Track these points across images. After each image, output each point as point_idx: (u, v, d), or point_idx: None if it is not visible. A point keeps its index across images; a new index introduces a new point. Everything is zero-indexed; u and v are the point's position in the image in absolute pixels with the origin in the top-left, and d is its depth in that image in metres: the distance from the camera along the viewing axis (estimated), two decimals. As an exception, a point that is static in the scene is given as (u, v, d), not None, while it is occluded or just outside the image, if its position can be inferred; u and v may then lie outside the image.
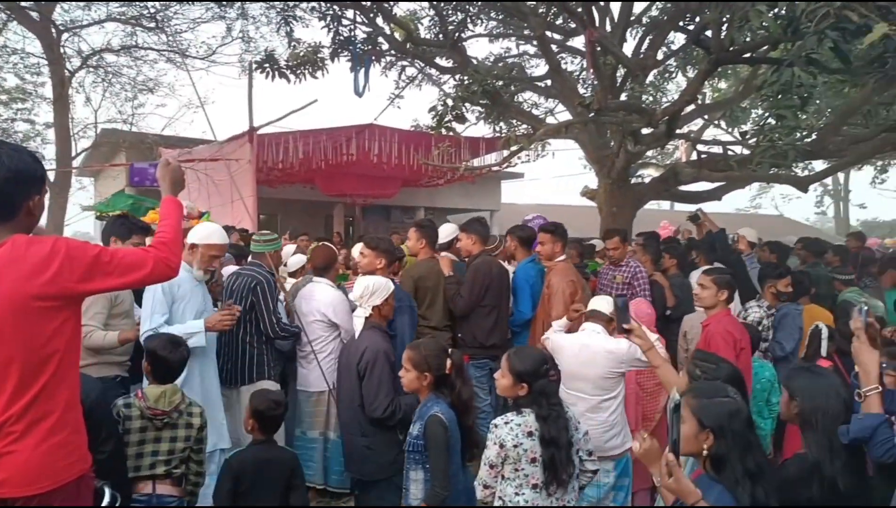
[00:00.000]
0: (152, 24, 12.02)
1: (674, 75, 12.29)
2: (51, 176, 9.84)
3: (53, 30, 11.18)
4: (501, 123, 11.54)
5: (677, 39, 11.00)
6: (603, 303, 3.70)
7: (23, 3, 10.67)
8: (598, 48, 6.45)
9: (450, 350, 2.99)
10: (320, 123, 9.90)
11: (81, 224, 16.74)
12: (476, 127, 10.91)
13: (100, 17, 11.98)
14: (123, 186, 13.97)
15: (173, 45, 12.44)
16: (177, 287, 3.41)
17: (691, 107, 8.61)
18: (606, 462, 3.44)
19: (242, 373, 3.93)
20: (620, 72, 8.61)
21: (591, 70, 5.78)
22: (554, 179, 17.01)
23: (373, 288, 3.57)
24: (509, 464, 2.63)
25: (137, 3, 11.56)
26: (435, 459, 2.78)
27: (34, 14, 10.91)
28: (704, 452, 2.00)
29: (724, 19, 5.31)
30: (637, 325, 3.03)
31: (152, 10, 11.75)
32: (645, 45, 8.92)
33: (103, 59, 12.81)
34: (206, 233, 3.60)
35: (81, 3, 11.65)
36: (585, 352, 3.49)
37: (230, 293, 4.04)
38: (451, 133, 7.28)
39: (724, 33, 5.58)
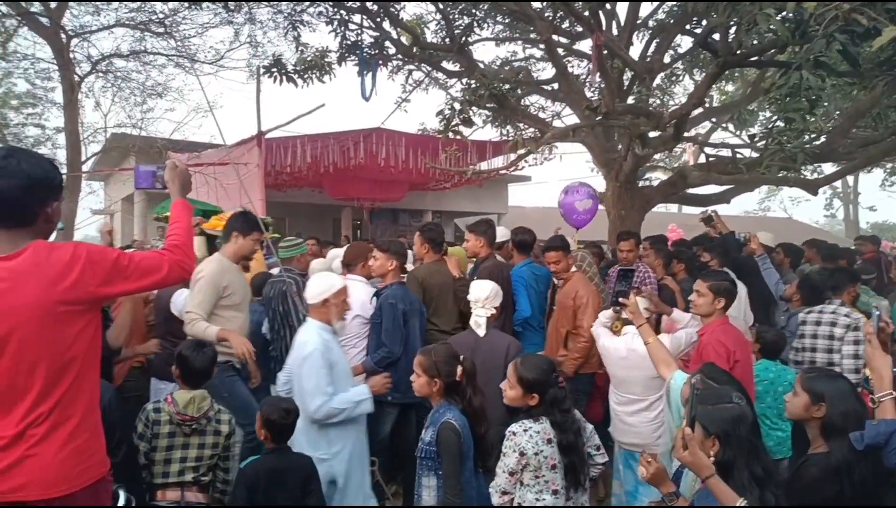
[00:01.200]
0: (161, 30, 12.10)
1: (680, 78, 12.29)
2: (61, 180, 9.94)
3: (63, 35, 11.26)
4: (508, 127, 11.56)
5: (684, 43, 11.02)
6: (642, 304, 3.69)
7: (33, 9, 10.77)
8: (605, 52, 6.46)
9: (461, 357, 2.97)
10: (328, 127, 9.91)
11: (90, 228, 16.82)
12: (483, 130, 10.95)
13: (109, 23, 12.07)
14: (132, 190, 14.09)
15: (182, 50, 12.53)
16: (328, 352, 3.25)
17: (699, 110, 8.60)
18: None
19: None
20: (627, 75, 8.63)
21: (598, 74, 5.77)
22: (561, 182, 16.88)
23: (494, 290, 3.75)
24: (529, 471, 2.62)
25: (146, 8, 11.65)
26: (447, 465, 2.75)
27: (44, 20, 11.00)
28: (711, 459, 1.99)
29: (732, 22, 5.30)
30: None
31: (161, 16, 11.85)
32: (652, 49, 8.92)
33: (112, 64, 12.92)
34: (326, 285, 3.40)
35: (91, 9, 11.78)
36: (633, 356, 3.48)
37: (267, 302, 4.15)
38: (458, 137, 7.29)
39: (731, 36, 5.58)
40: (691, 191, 9.59)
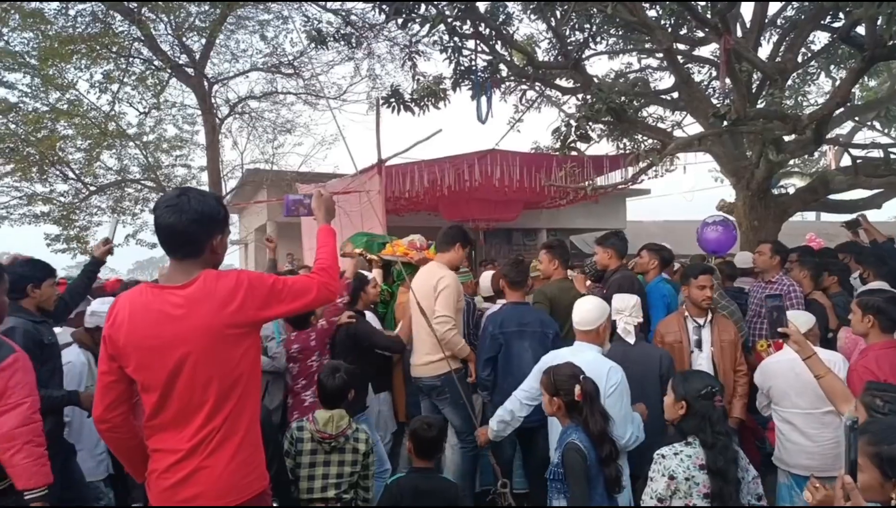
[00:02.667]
0: (290, 71, 13.05)
1: (815, 77, 11.40)
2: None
3: (206, 83, 12.45)
4: (625, 140, 11.25)
5: (817, 39, 10.23)
6: (801, 320, 3.43)
7: (181, 61, 12.00)
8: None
9: (581, 377, 2.89)
10: (443, 152, 10.14)
11: (231, 257, 18.23)
12: (598, 145, 10.73)
13: (244, 68, 13.22)
14: (265, 221, 15.15)
15: (309, 88, 13.42)
16: None
17: (840, 109, 7.90)
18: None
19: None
20: (754, 78, 8.13)
21: (728, 78, 5.47)
22: (684, 194, 16.09)
23: (636, 300, 3.78)
24: (679, 498, 2.49)
25: (277, 52, 12.62)
26: (573, 487, 2.69)
27: (190, 70, 12.21)
28: (894, 504, 1.73)
29: (881, 14, 4.84)
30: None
31: (290, 58, 12.78)
32: (782, 48, 8.35)
33: (248, 105, 14.04)
34: (601, 312, 3.48)
35: (228, 57, 12.96)
36: (799, 366, 3.19)
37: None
38: (575, 153, 7.18)
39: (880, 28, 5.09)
40: (834, 197, 8.82)
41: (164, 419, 2.00)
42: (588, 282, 5.06)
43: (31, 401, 2.45)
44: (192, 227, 2.01)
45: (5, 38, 10.79)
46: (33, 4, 10.26)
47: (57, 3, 10.45)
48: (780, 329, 2.75)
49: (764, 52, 8.59)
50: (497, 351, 4.02)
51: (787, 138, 7.02)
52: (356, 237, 6.22)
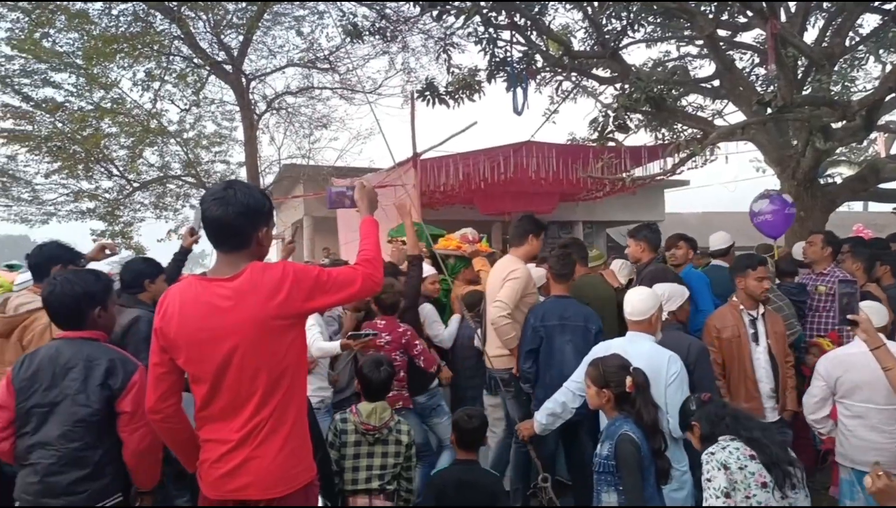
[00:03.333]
0: (326, 66, 13.15)
1: (863, 62, 10.99)
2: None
3: (244, 79, 12.64)
4: (663, 130, 11.04)
5: (866, 22, 9.87)
6: (877, 313, 3.30)
7: (219, 59, 12.21)
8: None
9: (631, 368, 2.87)
10: (478, 145, 10.10)
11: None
12: (636, 136, 10.55)
13: (281, 64, 13.38)
14: (302, 216, 15.33)
15: (344, 83, 13.51)
16: None
17: (892, 95, 7.61)
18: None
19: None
20: (799, 63, 7.87)
21: (774, 64, 5.31)
22: (725, 184, 15.67)
23: (668, 295, 3.77)
24: (739, 491, 2.43)
25: (313, 47, 12.75)
26: (628, 480, 2.65)
27: (228, 67, 12.41)
28: None
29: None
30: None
31: (326, 52, 12.89)
32: (829, 32, 8.07)
33: (284, 101, 14.22)
34: (653, 303, 3.45)
35: (266, 53, 13.13)
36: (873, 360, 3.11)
37: None
38: (613, 144, 7.08)
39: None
40: (884, 186, 8.50)
41: (213, 411, 2.04)
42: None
43: None
44: (238, 219, 2.03)
45: (52, 38, 11.11)
46: (78, 5, 10.54)
47: (101, 4, 10.73)
48: (849, 316, 2.66)
49: (809, 36, 8.33)
50: (538, 344, 4.00)
51: (835, 126, 6.80)
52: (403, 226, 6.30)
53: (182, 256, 4.25)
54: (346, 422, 3.14)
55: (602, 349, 3.26)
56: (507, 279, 4.08)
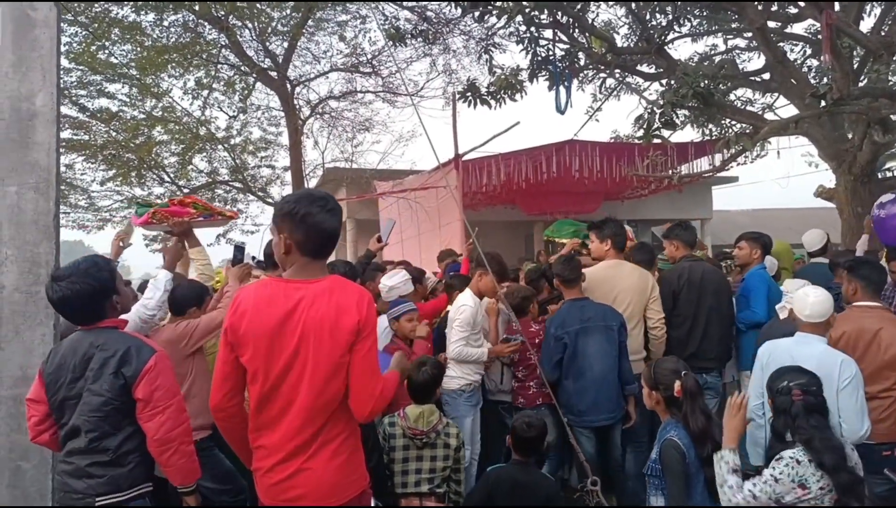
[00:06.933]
0: (369, 69, 13.29)
1: (925, 50, 10.47)
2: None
3: (288, 85, 12.88)
4: (711, 126, 10.77)
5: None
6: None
7: (265, 65, 12.48)
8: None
9: (682, 373, 2.79)
10: (520, 145, 10.04)
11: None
12: (682, 132, 10.33)
13: (325, 69, 13.58)
14: (345, 219, 15.53)
15: (387, 86, 13.62)
16: None
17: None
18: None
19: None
20: (854, 54, 7.58)
21: (829, 55, 5.12)
22: (777, 180, 15.13)
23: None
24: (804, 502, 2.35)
25: (357, 52, 12.91)
26: (671, 485, 2.61)
27: (273, 74, 12.67)
28: None
29: None
30: None
31: (369, 56, 13.03)
32: (887, 21, 7.74)
33: (328, 105, 14.40)
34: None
35: (310, 59, 13.34)
36: None
37: None
38: (660, 141, 6.94)
39: None
40: (950, 180, 8.11)
41: (268, 416, 2.04)
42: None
43: (177, 401, 2.46)
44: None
45: (108, 50, 11.55)
46: (132, 17, 10.92)
47: (153, 15, 11.07)
48: None
49: (866, 25, 8.00)
50: (563, 352, 3.94)
51: (894, 118, 6.51)
52: (560, 225, 6.71)
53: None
54: (393, 426, 3.14)
55: (770, 348, 3.17)
56: (653, 292, 4.34)
